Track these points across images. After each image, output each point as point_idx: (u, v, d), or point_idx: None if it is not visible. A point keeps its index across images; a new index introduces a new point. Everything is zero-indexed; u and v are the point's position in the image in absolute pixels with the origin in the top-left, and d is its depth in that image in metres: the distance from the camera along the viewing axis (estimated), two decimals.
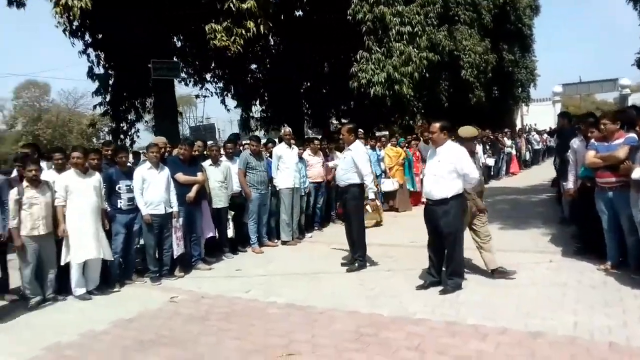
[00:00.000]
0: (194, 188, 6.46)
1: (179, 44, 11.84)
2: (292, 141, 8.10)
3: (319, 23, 12.33)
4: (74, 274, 5.56)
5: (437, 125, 5.11)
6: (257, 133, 17.63)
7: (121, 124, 11.52)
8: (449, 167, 4.99)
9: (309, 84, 14.69)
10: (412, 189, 10.70)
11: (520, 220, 8.46)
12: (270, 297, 5.29)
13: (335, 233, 8.77)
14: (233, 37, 8.68)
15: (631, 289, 4.74)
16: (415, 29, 12.39)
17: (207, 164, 7.00)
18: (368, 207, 6.12)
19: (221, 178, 7.11)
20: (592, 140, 5.47)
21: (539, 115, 32.19)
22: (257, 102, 16.44)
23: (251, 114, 16.70)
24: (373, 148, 10.17)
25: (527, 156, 19.54)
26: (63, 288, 5.68)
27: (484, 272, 5.53)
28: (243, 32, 8.68)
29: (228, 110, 16.53)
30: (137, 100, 11.67)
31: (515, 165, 17.43)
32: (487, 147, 14.68)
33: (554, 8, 77.25)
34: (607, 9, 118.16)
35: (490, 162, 14.81)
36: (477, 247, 5.47)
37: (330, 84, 13.85)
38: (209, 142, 8.21)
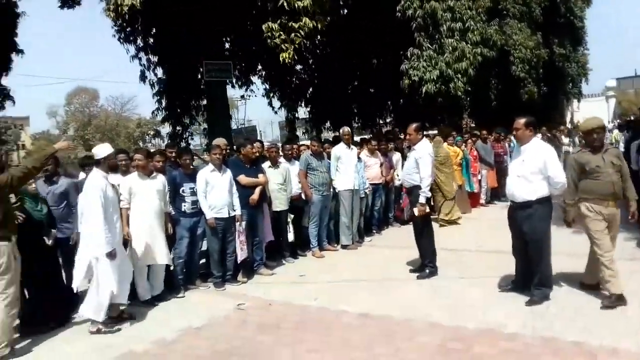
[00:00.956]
0: (257, 190, 6.30)
1: (227, 45, 11.74)
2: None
3: (366, 21, 12.03)
4: (139, 279, 5.48)
5: (521, 121, 4.74)
6: (299, 134, 17.56)
7: (177, 128, 11.56)
8: (533, 168, 4.63)
9: (356, 83, 14.41)
10: (469, 190, 10.25)
11: None
12: (340, 305, 5.05)
13: (395, 236, 8.49)
14: (292, 35, 8.45)
15: None
16: (467, 24, 11.93)
17: (265, 165, 6.83)
18: (415, 211, 5.71)
19: (280, 180, 6.93)
20: None
21: (590, 111, 30.78)
22: (303, 103, 16.32)
23: (297, 115, 16.58)
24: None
25: None
26: (130, 294, 5.59)
27: (573, 281, 5.12)
28: (300, 30, 8.48)
29: (276, 112, 16.45)
30: (190, 102, 11.70)
31: None
32: None
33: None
34: None
35: None
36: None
37: (378, 82, 13.53)
38: (267, 143, 8.05)
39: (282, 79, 14.46)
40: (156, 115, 11.66)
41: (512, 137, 12.31)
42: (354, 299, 5.23)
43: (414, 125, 6.04)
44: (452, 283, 5.55)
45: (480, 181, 10.59)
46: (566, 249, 5.60)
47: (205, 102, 11.72)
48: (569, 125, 24.51)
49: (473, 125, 19.19)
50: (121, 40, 10.40)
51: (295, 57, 8.78)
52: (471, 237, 7.88)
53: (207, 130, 11.26)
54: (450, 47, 11.66)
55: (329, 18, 9.11)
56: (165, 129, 11.80)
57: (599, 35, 74.55)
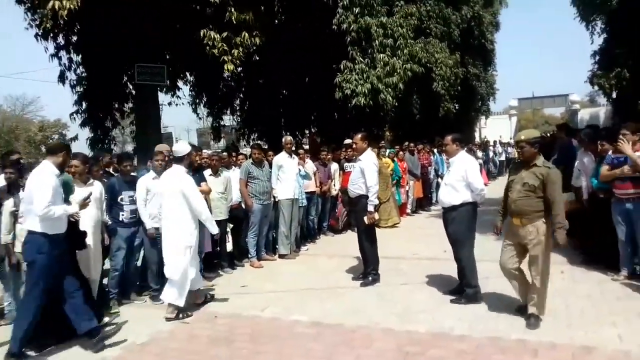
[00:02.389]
0: None
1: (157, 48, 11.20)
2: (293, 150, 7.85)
3: (302, 31, 12.14)
4: None
5: (449, 137, 5.34)
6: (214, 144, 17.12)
7: (98, 132, 10.80)
8: (458, 177, 5.15)
9: (286, 93, 14.43)
10: (398, 201, 10.64)
11: None
12: (291, 314, 5.01)
13: (330, 245, 8.62)
14: (233, 50, 8.34)
15: None
16: (398, 42, 12.45)
17: (206, 174, 6.63)
18: (365, 219, 5.92)
19: (221, 189, 6.76)
20: (610, 153, 5.57)
21: (495, 127, 33.38)
22: (229, 111, 16.04)
23: (223, 123, 16.27)
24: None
25: (492, 167, 20.15)
26: None
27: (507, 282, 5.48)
28: (241, 42, 8.37)
29: (200, 118, 15.99)
30: (112, 106, 11.00)
31: (484, 177, 17.84)
32: None
33: (511, 25, 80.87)
34: (559, 28, 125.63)
35: None
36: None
37: (311, 93, 13.65)
38: (207, 151, 7.81)
39: (210, 85, 14.13)
40: (74, 118, 10.84)
41: (435, 150, 13.07)
42: (304, 307, 5.21)
43: (359, 135, 6.19)
44: (396, 289, 5.72)
45: (407, 192, 11.05)
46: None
47: (131, 105, 11.12)
48: (477, 141, 26.33)
49: (390, 137, 20.05)
50: (38, 37, 9.57)
51: (237, 70, 8.64)
52: (405, 245, 8.17)
53: (137, 136, 10.65)
54: (382, 62, 12.07)
55: (264, 37, 9.07)
56: (84, 133, 10.96)
57: (504, 58, 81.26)
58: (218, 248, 6.95)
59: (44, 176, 4.11)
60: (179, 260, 5.01)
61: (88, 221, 5.04)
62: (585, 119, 30.35)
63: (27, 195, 4.18)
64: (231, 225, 7.20)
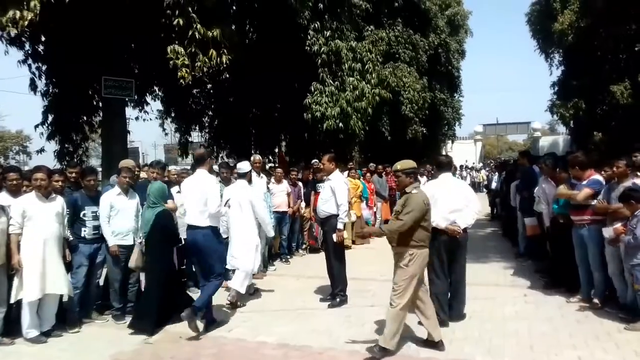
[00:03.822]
0: None
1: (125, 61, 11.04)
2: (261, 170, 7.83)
3: (273, 52, 12.24)
4: (26, 314, 4.82)
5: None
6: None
7: (66, 145, 10.48)
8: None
9: (257, 112, 14.44)
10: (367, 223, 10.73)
11: (478, 255, 8.66)
12: (258, 336, 4.93)
13: (298, 266, 8.56)
14: (197, 64, 8.31)
15: (613, 322, 5.02)
16: (367, 66, 12.70)
17: (174, 191, 6.52)
18: (334, 237, 5.96)
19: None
20: (570, 177, 5.82)
21: (461, 152, 34.30)
22: (198, 127, 15.92)
23: (190, 140, 16.09)
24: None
25: None
26: (11, 329, 4.90)
27: (479, 305, 5.59)
28: (206, 60, 8.36)
29: (166, 134, 15.77)
30: (80, 119, 10.72)
31: None
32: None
33: (476, 53, 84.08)
34: (523, 57, 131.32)
35: None
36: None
37: (282, 113, 13.71)
38: (174, 168, 7.68)
39: (179, 101, 14.00)
40: (42, 133, 10.52)
41: None
42: (270, 328, 5.16)
43: (327, 156, 6.28)
44: (363, 311, 5.72)
45: (375, 213, 11.16)
46: None
47: (100, 119, 10.87)
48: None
49: (360, 159, 20.28)
50: (4, 40, 9.24)
51: (190, 82, 8.60)
52: (373, 267, 8.18)
53: (103, 151, 10.38)
54: (351, 86, 12.26)
55: (233, 54, 9.09)
56: (50, 146, 10.61)
57: (470, 84, 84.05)
58: (184, 267, 6.80)
59: (213, 182, 5.29)
60: (250, 256, 6.07)
61: (49, 236, 4.89)
62: (546, 147, 31.59)
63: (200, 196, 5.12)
64: None
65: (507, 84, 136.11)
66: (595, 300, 5.54)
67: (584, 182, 5.58)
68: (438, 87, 21.80)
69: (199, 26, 8.52)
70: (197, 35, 8.46)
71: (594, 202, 5.41)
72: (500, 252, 9.10)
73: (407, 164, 4.56)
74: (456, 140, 31.42)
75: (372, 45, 13.22)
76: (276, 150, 16.54)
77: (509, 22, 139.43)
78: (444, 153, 33.35)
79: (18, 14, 6.96)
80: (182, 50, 8.36)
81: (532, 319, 5.20)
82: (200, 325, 5.01)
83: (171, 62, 8.49)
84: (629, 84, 18.27)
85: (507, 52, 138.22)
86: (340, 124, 11.97)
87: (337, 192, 5.97)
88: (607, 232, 5.12)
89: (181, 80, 8.45)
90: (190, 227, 5.28)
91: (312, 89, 12.17)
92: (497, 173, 11.45)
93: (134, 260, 5.34)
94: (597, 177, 5.67)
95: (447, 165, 5.48)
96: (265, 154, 14.80)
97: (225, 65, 8.94)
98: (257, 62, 12.33)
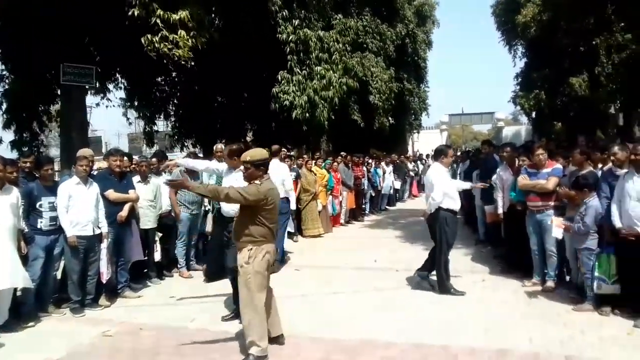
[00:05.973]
0: (126, 207, 5.87)
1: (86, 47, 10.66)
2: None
3: (241, 38, 12.07)
4: None
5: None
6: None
7: (23, 134, 10.07)
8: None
9: (224, 100, 14.25)
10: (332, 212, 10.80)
11: None
12: (220, 325, 4.93)
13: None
14: (176, 50, 8.12)
15: (562, 304, 5.24)
16: (334, 57, 12.69)
17: (135, 180, 6.40)
18: None
19: (150, 196, 6.56)
20: (525, 167, 6.01)
21: (428, 141, 34.80)
22: (163, 116, 15.61)
23: (156, 129, 15.78)
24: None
25: (424, 180, 20.94)
26: None
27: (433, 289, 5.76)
28: (187, 37, 8.18)
29: (130, 123, 15.42)
30: (38, 107, 10.32)
31: (415, 189, 18.50)
32: (395, 170, 15.41)
33: (443, 44, 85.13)
34: (487, 49, 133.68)
35: (397, 185, 15.57)
36: None
37: (249, 101, 13.57)
38: (136, 157, 7.53)
39: (143, 89, 13.68)
40: None
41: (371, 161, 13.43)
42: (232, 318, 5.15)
43: (227, 150, 5.48)
44: (326, 298, 5.80)
45: (341, 202, 11.24)
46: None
47: (59, 108, 10.52)
48: (410, 154, 27.29)
49: (328, 148, 20.35)
50: None
51: (191, 55, 8.42)
52: (336, 255, 8.30)
53: (62, 140, 10.04)
54: (318, 75, 12.24)
55: (207, 36, 8.92)
56: (9, 135, 10.19)
57: (436, 75, 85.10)
58: (146, 257, 6.72)
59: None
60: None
61: (2, 228, 4.74)
62: (509, 136, 32.43)
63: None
64: (160, 234, 6.99)
65: (473, 74, 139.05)
66: (549, 283, 5.76)
67: (547, 170, 5.77)
68: (405, 77, 21.96)
69: (160, 12, 8.34)
70: (159, 23, 8.29)
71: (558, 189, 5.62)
72: (462, 239, 9.26)
73: (257, 154, 4.15)
74: (423, 130, 31.88)
75: (340, 35, 13.18)
76: (242, 139, 16.42)
77: (475, 14, 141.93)
78: (410, 143, 33.86)
79: None
80: (157, 38, 8.18)
81: (489, 303, 5.38)
82: None
83: (153, 54, 8.31)
84: (587, 76, 18.93)
85: (473, 44, 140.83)
86: (307, 114, 11.96)
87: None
88: (558, 232, 5.33)
89: (183, 56, 8.28)
90: None
91: (280, 78, 12.11)
92: (460, 162, 11.64)
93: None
94: (559, 165, 5.89)
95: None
96: (233, 143, 14.66)
97: (199, 48, 8.79)
98: (224, 49, 12.16)
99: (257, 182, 4.03)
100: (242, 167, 4.89)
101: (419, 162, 19.90)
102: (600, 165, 5.85)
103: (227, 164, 5.45)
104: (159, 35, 8.06)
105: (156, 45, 7.97)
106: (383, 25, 18.73)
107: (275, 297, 4.40)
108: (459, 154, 13.84)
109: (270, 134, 14.63)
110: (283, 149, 9.41)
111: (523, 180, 5.94)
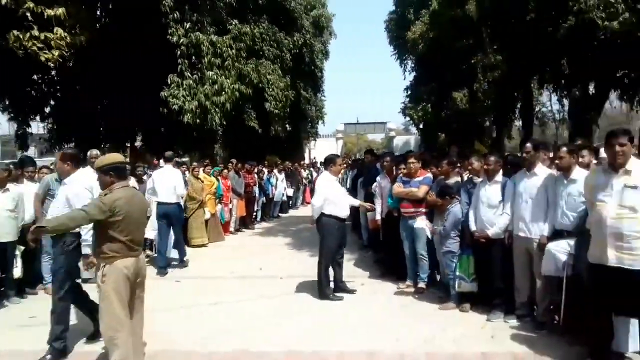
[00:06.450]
0: None
1: None
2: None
3: (129, 39, 11.43)
4: None
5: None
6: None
7: None
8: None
9: (109, 102, 13.36)
10: (222, 220, 10.58)
11: None
12: (84, 345, 4.58)
13: None
14: (52, 51, 7.41)
15: (430, 304, 5.62)
16: (226, 63, 12.53)
17: None
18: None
19: (10, 206, 5.95)
20: (400, 175, 6.36)
21: (323, 149, 35.61)
22: (38, 117, 14.29)
23: (30, 131, 14.38)
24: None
25: None
26: None
27: (313, 297, 5.88)
28: (64, 36, 7.51)
29: None
30: None
31: (309, 196, 18.77)
32: (288, 178, 15.55)
33: (340, 55, 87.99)
34: (382, 62, 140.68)
35: (290, 192, 15.71)
36: None
37: (139, 104, 12.86)
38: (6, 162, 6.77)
39: (15, 88, 12.41)
40: None
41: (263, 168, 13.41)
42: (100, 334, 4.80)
43: (59, 154, 4.81)
44: (207, 309, 5.65)
45: (231, 210, 11.07)
46: None
47: None
48: (307, 161, 27.75)
49: (225, 154, 20.06)
50: None
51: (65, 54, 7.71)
52: (222, 264, 8.14)
53: None
54: (210, 80, 12.00)
55: (88, 35, 8.32)
56: None
57: (333, 85, 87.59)
58: (4, 274, 6.06)
59: None
60: None
61: None
62: (400, 145, 34.27)
63: None
64: (22, 248, 6.34)
65: (368, 85, 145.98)
66: (420, 285, 6.14)
67: (419, 179, 6.14)
68: (302, 86, 22.34)
69: (31, 4, 7.65)
70: (28, 15, 7.60)
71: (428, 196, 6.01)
72: (348, 244, 9.57)
73: (105, 159, 3.87)
74: (319, 138, 32.65)
75: (235, 41, 13.03)
76: (127, 144, 15.52)
77: (370, 27, 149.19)
78: (307, 150, 34.45)
79: None
80: (27, 35, 7.44)
81: (364, 307, 5.60)
82: None
83: (20, 52, 7.53)
84: (467, 92, 20.65)
85: (369, 56, 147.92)
86: (198, 120, 11.66)
87: (73, 203, 4.34)
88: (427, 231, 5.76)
89: (49, 63, 7.51)
90: None
91: (169, 82, 11.69)
92: (350, 170, 12.06)
93: None
94: (430, 175, 6.31)
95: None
96: (119, 149, 13.84)
97: (82, 46, 8.15)
98: (110, 49, 11.45)
99: (105, 191, 3.75)
100: (68, 179, 4.58)
101: (312, 169, 20.25)
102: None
103: (58, 171, 4.91)
104: (29, 33, 7.37)
105: (24, 43, 7.27)
106: (280, 33, 18.88)
107: (143, 320, 4.06)
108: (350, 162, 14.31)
109: (160, 139, 14.05)
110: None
111: (397, 188, 6.28)
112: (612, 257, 3.53)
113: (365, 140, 53.98)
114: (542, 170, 4.78)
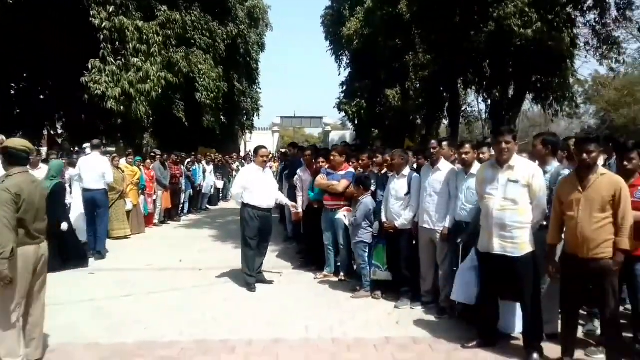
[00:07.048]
0: None
1: None
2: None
3: (47, 19, 10.79)
4: None
5: None
6: None
7: None
8: None
9: (24, 86, 12.56)
10: (144, 212, 10.29)
11: None
12: (63, 342, 4.33)
13: None
14: None
15: (343, 292, 5.81)
16: (152, 50, 12.15)
17: None
18: None
19: None
20: (324, 167, 6.51)
21: (259, 142, 35.30)
22: None
23: None
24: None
25: None
26: None
27: (229, 287, 5.87)
28: None
29: None
30: None
31: None
32: (218, 170, 15.35)
33: (276, 47, 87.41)
34: (319, 56, 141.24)
35: (220, 184, 15.52)
36: None
37: (58, 89, 12.17)
38: None
39: None
40: None
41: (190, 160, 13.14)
42: None
43: None
44: (117, 302, 5.51)
45: (155, 201, 10.78)
46: None
47: None
48: (242, 153, 27.49)
49: (155, 144, 19.46)
50: None
51: None
52: (140, 256, 7.93)
53: None
54: (135, 67, 11.60)
55: None
56: None
57: (270, 78, 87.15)
58: None
59: None
60: None
61: None
62: (335, 140, 34.64)
63: None
64: None
65: (305, 79, 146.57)
66: (341, 274, 6.33)
67: (342, 173, 6.30)
68: (236, 78, 22.04)
69: None
70: None
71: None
72: (274, 236, 9.64)
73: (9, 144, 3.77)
74: (255, 131, 32.42)
75: (162, 27, 12.65)
76: (45, 131, 14.70)
77: (307, 21, 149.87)
78: (242, 143, 34.11)
79: None
80: None
81: (280, 296, 5.69)
82: None
83: None
84: (400, 89, 21.25)
85: (306, 49, 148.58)
86: (122, 107, 11.25)
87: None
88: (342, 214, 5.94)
89: None
90: None
91: (90, 67, 11.18)
92: (279, 162, 12.12)
93: None
94: (351, 169, 6.48)
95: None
96: (32, 136, 13.05)
97: None
98: (24, 29, 10.76)
99: (2, 177, 3.63)
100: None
101: (244, 161, 20.11)
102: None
103: None
104: None
105: None
106: (214, 22, 18.50)
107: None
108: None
109: (82, 127, 13.43)
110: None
111: (320, 179, 6.42)
112: (497, 246, 3.84)
113: (303, 134, 54.21)
114: (445, 166, 5.06)
